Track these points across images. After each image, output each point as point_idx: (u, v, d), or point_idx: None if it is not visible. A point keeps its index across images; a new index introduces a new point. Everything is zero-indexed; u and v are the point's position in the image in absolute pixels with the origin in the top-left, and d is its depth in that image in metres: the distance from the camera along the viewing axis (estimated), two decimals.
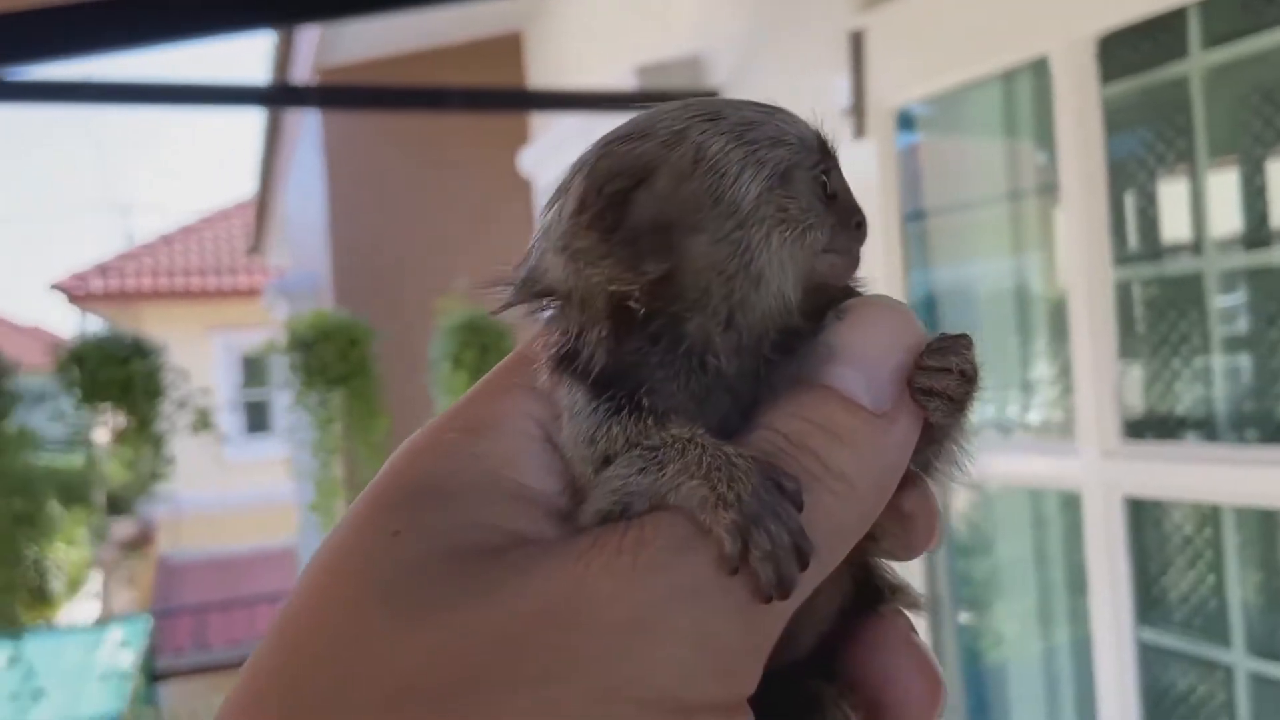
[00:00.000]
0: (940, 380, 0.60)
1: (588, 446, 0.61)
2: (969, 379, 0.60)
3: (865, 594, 0.68)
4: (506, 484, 0.59)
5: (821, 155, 0.65)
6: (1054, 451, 3.16)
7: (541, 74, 6.70)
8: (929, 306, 3.64)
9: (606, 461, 0.60)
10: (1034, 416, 3.48)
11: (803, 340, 0.63)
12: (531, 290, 0.65)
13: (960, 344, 0.61)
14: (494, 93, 5.89)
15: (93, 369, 5.66)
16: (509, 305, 0.66)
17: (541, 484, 0.60)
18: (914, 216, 3.59)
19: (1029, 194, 3.43)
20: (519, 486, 0.59)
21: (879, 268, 3.43)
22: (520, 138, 6.55)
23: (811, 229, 0.63)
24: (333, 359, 5.95)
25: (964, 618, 3.66)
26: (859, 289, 0.67)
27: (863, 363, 0.60)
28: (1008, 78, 3.31)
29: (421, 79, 6.51)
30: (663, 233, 0.62)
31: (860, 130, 3.40)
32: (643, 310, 0.62)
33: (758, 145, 0.63)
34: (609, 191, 0.62)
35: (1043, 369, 3.41)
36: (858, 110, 3.39)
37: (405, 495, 0.58)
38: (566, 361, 0.63)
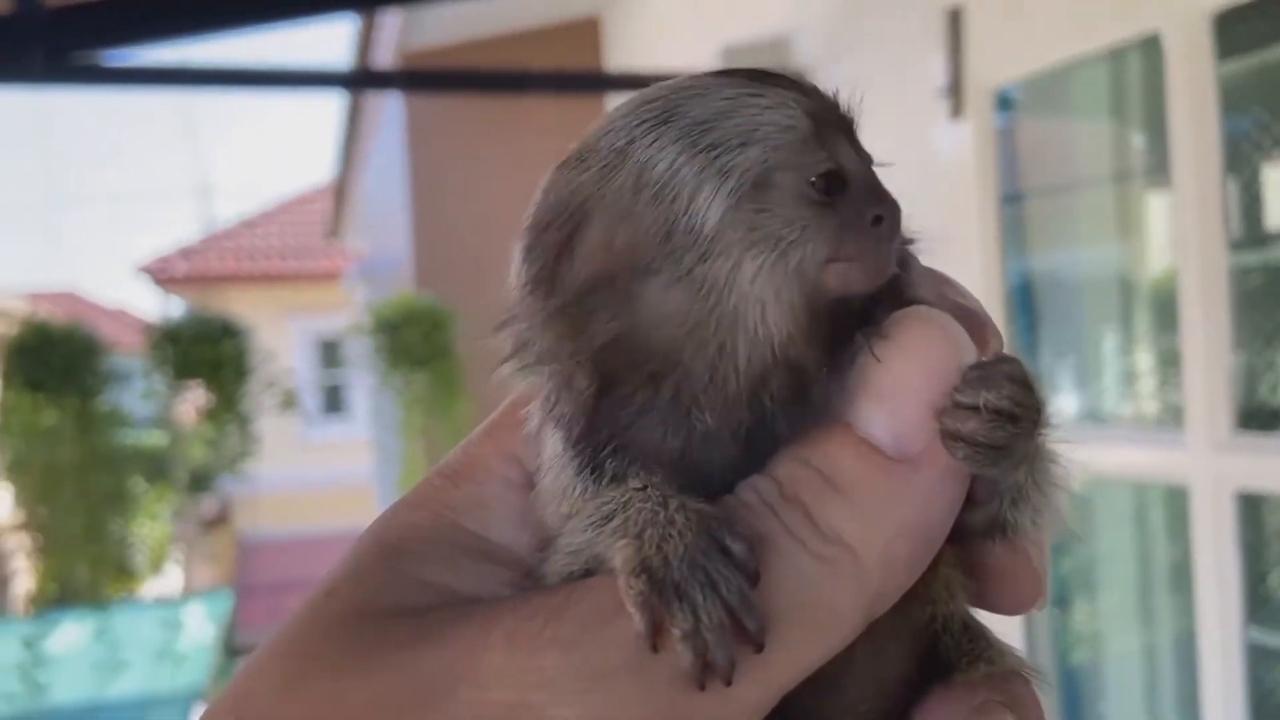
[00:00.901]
0: (967, 422, 0.48)
1: (558, 502, 0.54)
2: (1010, 417, 0.48)
3: (941, 658, 0.56)
4: (469, 539, 0.55)
5: (818, 139, 0.51)
6: (1159, 443, 3.05)
7: (620, 57, 6.67)
8: (1025, 292, 3.54)
9: (568, 515, 0.53)
10: (1135, 407, 3.36)
11: (830, 371, 0.51)
12: (516, 347, 0.56)
13: (999, 373, 0.49)
14: (576, 76, 5.88)
15: (185, 348, 5.80)
16: (501, 363, 0.57)
17: (509, 538, 0.55)
18: (1010, 200, 3.49)
19: (1133, 177, 3.30)
20: (482, 541, 0.55)
21: (974, 253, 3.34)
22: (596, 119, 6.52)
23: (795, 245, 0.50)
24: (416, 342, 6.02)
25: (1059, 615, 3.56)
26: (912, 290, 0.54)
27: (886, 397, 0.49)
28: (1115, 56, 3.19)
29: (500, 63, 6.53)
30: (609, 286, 0.51)
31: (957, 110, 3.30)
32: (591, 387, 0.52)
33: (719, 150, 0.50)
34: (545, 244, 0.53)
35: (1145, 358, 3.30)
36: (955, 90, 3.30)
37: (363, 551, 0.55)
38: (550, 409, 0.56)
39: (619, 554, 0.47)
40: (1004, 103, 3.49)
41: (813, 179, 0.51)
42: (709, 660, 0.44)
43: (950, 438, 0.48)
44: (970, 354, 0.50)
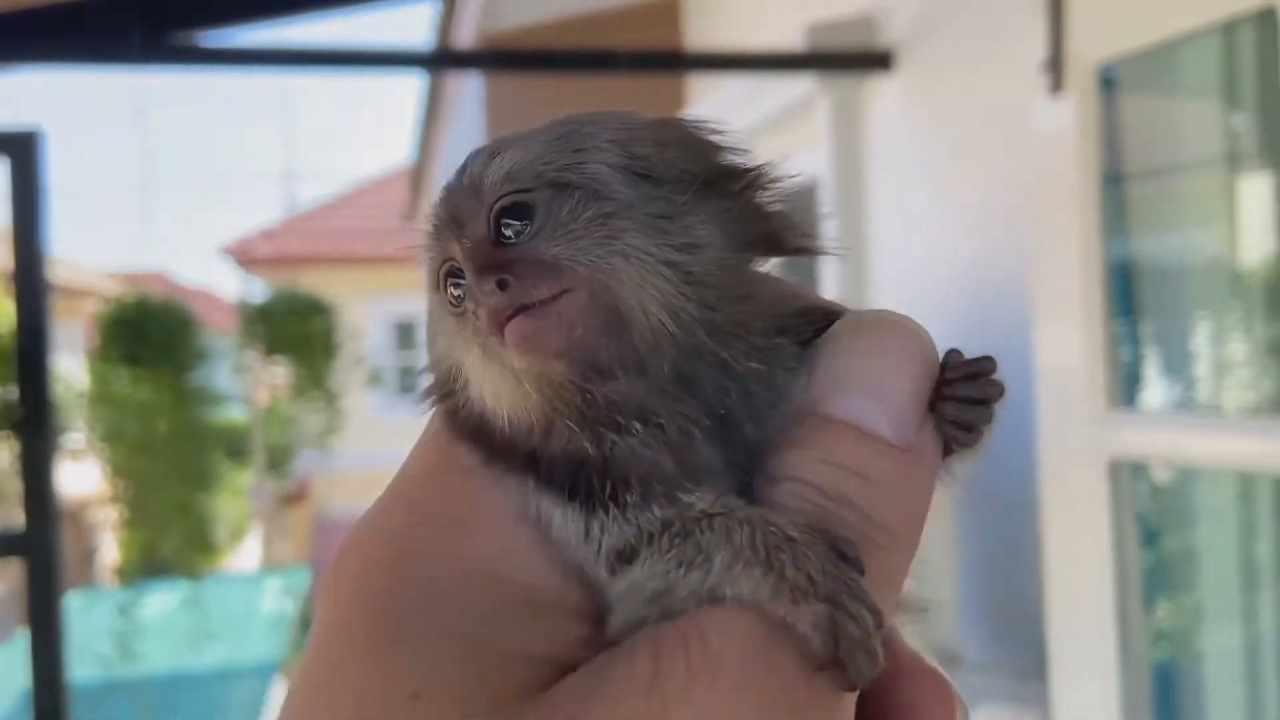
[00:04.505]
0: (967, 414, 0.53)
1: (585, 544, 0.50)
2: (985, 403, 0.54)
3: None
4: (513, 592, 0.49)
5: (438, 246, 0.55)
6: (1269, 432, 2.94)
7: (701, 36, 6.62)
8: (1124, 276, 3.44)
9: (620, 555, 0.50)
10: (1237, 396, 3.25)
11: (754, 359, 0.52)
12: None
13: (986, 367, 0.53)
14: (661, 55, 5.83)
15: (275, 325, 5.88)
16: None
17: (547, 580, 0.50)
18: (1109, 181, 3.38)
19: (1243, 158, 3.18)
20: (528, 592, 0.50)
21: (1073, 235, 3.24)
22: (678, 102, 6.48)
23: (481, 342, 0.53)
24: None
25: (1156, 613, 3.47)
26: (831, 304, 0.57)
27: (880, 391, 0.51)
28: (1227, 29, 3.06)
29: (579, 44, 6.51)
30: None
31: (1057, 86, 3.21)
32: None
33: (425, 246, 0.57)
34: None
35: (1246, 345, 3.18)
36: (1055, 65, 3.20)
37: (408, 630, 0.47)
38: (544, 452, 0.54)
39: (760, 583, 0.46)
40: (1104, 80, 3.38)
41: (446, 292, 0.54)
42: (875, 659, 0.46)
43: (953, 425, 0.53)
44: (935, 347, 0.54)
